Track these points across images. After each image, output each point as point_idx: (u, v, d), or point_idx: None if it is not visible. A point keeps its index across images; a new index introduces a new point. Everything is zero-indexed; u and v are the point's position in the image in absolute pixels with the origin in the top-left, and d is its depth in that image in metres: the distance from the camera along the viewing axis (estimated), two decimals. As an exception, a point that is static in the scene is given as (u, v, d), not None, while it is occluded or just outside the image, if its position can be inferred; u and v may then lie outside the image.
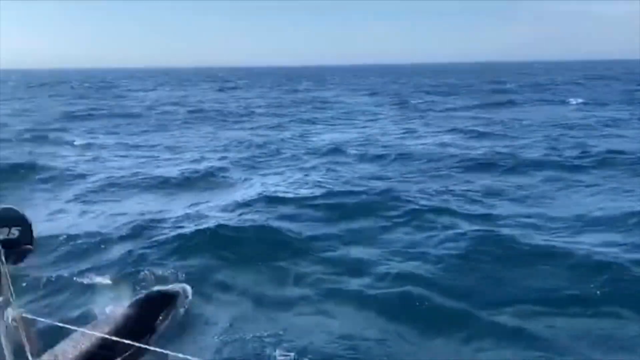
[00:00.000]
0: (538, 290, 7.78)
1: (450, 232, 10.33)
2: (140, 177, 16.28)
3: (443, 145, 21.42)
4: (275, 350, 6.30)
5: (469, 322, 7.01)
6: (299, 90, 62.17)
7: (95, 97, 53.05)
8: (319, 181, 15.07)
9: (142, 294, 7.33)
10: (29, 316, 2.67)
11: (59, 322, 2.97)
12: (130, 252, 9.63)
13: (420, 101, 44.51)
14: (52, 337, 5.46)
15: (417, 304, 7.50)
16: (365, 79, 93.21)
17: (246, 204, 12.64)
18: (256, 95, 55.77)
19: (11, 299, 2.54)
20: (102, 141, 24.25)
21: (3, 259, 2.33)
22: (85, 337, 5.62)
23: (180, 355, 2.77)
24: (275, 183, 15.11)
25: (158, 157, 20.39)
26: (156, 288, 7.50)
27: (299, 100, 48.54)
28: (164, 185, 15.38)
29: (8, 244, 2.58)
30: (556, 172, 15.83)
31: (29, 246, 2.77)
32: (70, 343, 6.10)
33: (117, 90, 64.10)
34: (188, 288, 7.62)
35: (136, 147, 23.01)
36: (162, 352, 2.82)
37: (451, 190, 13.82)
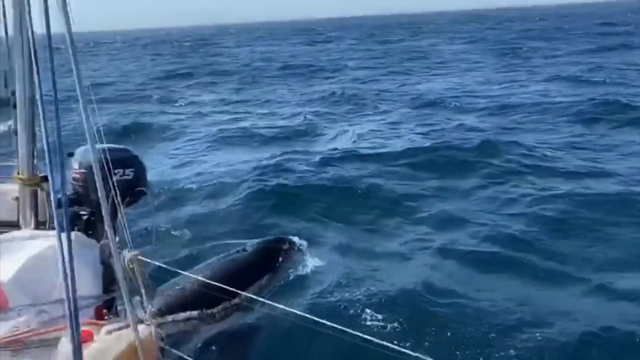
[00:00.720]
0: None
1: (550, 191, 9.60)
2: (237, 132, 16.69)
3: (547, 94, 19.94)
4: (368, 309, 6.20)
5: (564, 283, 6.52)
6: (391, 41, 59.89)
7: (194, 56, 54.39)
8: (411, 135, 14.61)
9: (256, 242, 7.52)
10: (144, 259, 2.68)
11: (171, 266, 2.96)
12: (232, 204, 9.94)
13: (523, 48, 41.50)
14: (163, 280, 5.66)
15: (509, 263, 7.12)
16: (464, 26, 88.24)
17: (337, 158, 12.54)
18: (348, 47, 54.50)
19: (127, 241, 2.54)
20: (201, 98, 25.01)
21: (119, 199, 2.29)
22: (196, 283, 5.80)
23: (286, 308, 2.65)
24: (366, 137, 14.86)
25: (252, 112, 20.73)
26: (271, 237, 7.63)
27: (394, 51, 46.84)
28: (258, 139, 15.70)
29: (122, 185, 2.56)
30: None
31: (143, 189, 2.76)
32: (182, 287, 6.36)
33: (214, 48, 65.39)
34: (301, 241, 7.66)
35: (233, 103, 23.54)
36: (268, 303, 2.73)
37: (554, 145, 12.84)
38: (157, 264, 2.89)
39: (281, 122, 17.99)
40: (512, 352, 5.23)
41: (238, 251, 7.37)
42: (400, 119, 17.49)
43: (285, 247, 7.35)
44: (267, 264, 7.03)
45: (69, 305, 1.84)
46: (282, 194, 10.38)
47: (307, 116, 18.54)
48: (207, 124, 18.47)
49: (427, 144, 13.37)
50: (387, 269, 7.35)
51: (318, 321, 2.32)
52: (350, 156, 12.72)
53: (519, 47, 41.32)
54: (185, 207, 10.11)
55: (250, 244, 7.84)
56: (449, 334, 5.62)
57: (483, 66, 31.41)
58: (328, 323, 2.37)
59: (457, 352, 5.28)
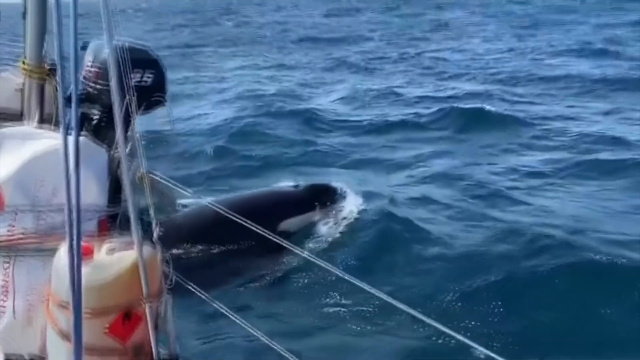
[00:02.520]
0: None
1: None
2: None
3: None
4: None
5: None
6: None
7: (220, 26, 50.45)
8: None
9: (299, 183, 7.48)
10: (156, 175, 2.45)
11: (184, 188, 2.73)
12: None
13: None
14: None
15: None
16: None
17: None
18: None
19: (139, 152, 2.29)
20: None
21: (135, 106, 2.02)
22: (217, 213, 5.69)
23: (316, 260, 2.43)
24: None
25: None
26: (316, 182, 7.54)
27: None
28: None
29: (139, 91, 2.27)
30: None
31: (161, 97, 2.48)
32: (198, 213, 6.23)
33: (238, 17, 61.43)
34: (344, 187, 7.53)
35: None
36: (294, 249, 2.51)
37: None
38: (171, 182, 2.65)
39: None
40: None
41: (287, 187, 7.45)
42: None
43: (328, 192, 7.29)
44: (302, 206, 6.95)
45: (70, 215, 1.61)
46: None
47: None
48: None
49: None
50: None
51: (342, 277, 2.11)
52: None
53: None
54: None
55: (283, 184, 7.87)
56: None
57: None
58: (353, 280, 2.16)
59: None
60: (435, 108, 13.49)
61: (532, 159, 9.82)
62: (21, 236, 2.31)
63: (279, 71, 21.81)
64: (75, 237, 1.65)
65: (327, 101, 15.83)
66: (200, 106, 15.60)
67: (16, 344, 2.16)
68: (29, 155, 2.33)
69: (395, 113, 13.76)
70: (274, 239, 2.63)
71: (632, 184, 8.23)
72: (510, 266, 5.83)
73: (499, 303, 5.17)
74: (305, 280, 5.60)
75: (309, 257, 2.39)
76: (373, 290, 2.27)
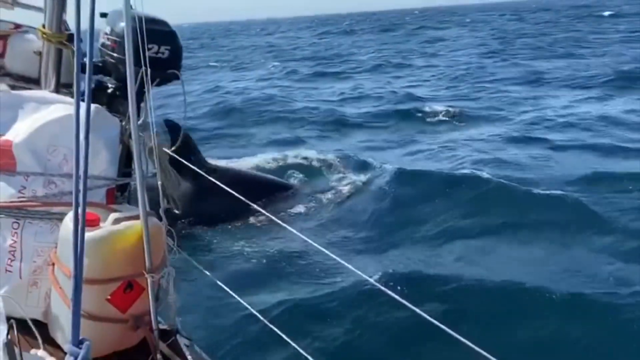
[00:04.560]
0: None
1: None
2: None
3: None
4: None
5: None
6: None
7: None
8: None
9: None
10: (167, 150, 2.45)
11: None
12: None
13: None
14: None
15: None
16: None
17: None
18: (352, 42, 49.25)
19: (152, 125, 2.29)
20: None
21: (149, 77, 2.02)
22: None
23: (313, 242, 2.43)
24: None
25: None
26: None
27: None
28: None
29: (154, 64, 2.27)
30: None
31: (176, 71, 2.48)
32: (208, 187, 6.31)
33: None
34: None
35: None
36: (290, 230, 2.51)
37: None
38: (182, 160, 2.65)
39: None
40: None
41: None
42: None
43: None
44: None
45: (77, 182, 1.62)
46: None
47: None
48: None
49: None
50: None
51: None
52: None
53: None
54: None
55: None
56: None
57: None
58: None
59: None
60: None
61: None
62: (31, 200, 2.34)
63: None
64: (81, 204, 1.66)
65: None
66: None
67: (20, 307, 2.19)
68: (42, 120, 2.34)
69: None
70: (271, 217, 2.65)
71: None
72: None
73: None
74: (304, 262, 5.64)
75: (306, 240, 2.39)
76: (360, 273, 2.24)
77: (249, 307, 2.55)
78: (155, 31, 2.36)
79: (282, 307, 4.57)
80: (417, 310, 1.76)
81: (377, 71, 24.58)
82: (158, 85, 2.43)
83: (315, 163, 8.90)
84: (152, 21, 2.33)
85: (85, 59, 1.91)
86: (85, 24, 1.63)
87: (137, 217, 2.20)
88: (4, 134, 2.34)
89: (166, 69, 2.44)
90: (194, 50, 43.76)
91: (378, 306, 4.58)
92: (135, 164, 2.17)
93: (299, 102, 16.45)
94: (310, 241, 2.28)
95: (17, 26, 2.64)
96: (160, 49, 2.40)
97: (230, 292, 2.57)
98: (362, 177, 8.17)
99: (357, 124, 13.61)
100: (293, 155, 9.23)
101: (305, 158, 9.12)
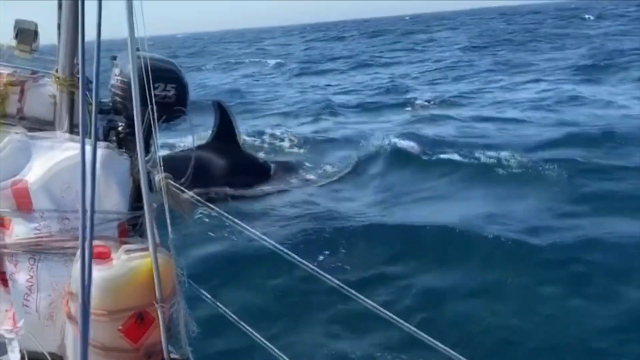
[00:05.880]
0: None
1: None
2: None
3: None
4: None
5: None
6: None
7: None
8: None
9: None
10: (174, 184, 2.54)
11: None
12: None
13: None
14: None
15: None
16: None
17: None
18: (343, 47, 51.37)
19: (158, 161, 2.39)
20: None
21: (155, 116, 2.12)
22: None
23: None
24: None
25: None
26: None
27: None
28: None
29: (161, 102, 2.37)
30: None
31: (182, 109, 2.58)
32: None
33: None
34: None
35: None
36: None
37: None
38: (188, 193, 2.73)
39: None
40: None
41: None
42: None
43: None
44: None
45: (84, 218, 1.70)
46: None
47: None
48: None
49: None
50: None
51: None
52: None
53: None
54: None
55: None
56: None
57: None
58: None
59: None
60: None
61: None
62: (46, 235, 2.44)
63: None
64: (87, 240, 1.73)
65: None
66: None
67: (37, 341, 2.26)
68: (57, 160, 2.45)
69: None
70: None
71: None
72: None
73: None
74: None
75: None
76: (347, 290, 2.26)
77: (259, 336, 2.58)
78: (161, 72, 2.47)
79: (295, 336, 4.56)
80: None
81: (365, 67, 26.87)
82: (165, 122, 2.53)
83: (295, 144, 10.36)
84: (158, 61, 2.44)
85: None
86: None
87: (146, 249, 2.27)
88: (20, 174, 2.46)
89: (172, 106, 2.54)
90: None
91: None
92: (144, 199, 2.25)
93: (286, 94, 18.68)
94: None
95: (34, 72, 2.79)
96: (167, 87, 2.50)
97: (242, 322, 2.61)
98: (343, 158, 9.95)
99: (341, 112, 15.31)
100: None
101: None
